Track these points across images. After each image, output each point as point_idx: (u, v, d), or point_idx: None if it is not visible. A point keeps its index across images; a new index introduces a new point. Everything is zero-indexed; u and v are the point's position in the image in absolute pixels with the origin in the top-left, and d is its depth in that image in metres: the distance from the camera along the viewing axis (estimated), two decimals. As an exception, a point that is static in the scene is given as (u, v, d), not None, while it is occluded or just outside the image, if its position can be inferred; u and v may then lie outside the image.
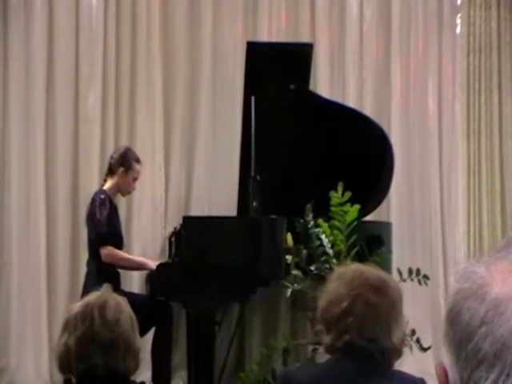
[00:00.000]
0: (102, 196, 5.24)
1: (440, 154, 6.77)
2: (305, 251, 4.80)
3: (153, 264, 5.25)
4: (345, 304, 2.18)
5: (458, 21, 6.93)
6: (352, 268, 2.32)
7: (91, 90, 6.20)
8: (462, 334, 0.96)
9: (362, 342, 2.17)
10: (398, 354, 2.23)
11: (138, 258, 5.54)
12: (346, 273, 2.28)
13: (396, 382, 2.21)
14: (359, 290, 2.20)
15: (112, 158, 5.41)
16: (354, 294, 2.19)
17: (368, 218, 5.62)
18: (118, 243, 5.28)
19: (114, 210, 5.30)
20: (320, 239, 4.75)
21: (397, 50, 6.73)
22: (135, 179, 5.39)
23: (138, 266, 5.41)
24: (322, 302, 2.26)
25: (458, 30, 6.93)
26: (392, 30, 6.73)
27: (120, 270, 5.40)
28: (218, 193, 6.27)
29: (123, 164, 5.32)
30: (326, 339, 2.23)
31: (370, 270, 2.27)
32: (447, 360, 0.99)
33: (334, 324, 2.20)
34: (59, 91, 6.17)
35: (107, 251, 5.14)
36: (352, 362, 2.18)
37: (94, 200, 5.25)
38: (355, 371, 2.18)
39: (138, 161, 5.40)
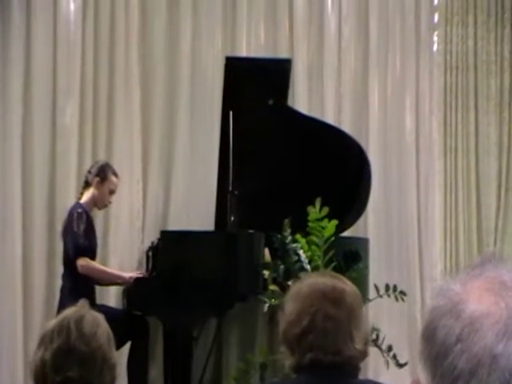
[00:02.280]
0: (80, 210, 5.23)
1: (417, 170, 6.80)
2: (282, 266, 4.79)
3: (128, 276, 5.26)
4: (305, 322, 2.16)
5: (435, 38, 6.99)
6: (307, 283, 2.27)
7: (69, 103, 6.16)
8: (437, 350, 0.96)
9: (326, 358, 2.15)
10: (363, 356, 2.21)
11: (113, 270, 5.54)
12: (301, 289, 2.24)
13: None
14: (317, 305, 2.17)
15: (89, 172, 5.41)
16: (312, 310, 2.17)
17: (345, 233, 5.63)
18: (92, 258, 5.26)
19: (90, 224, 5.29)
20: (297, 254, 4.75)
21: (374, 66, 6.77)
22: (111, 191, 5.37)
23: (114, 278, 5.39)
24: (281, 324, 2.23)
25: (435, 47, 6.98)
26: (370, 47, 6.77)
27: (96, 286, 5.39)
28: (195, 207, 6.25)
29: (99, 174, 5.33)
30: (291, 360, 2.22)
31: (324, 282, 2.23)
32: (423, 377, 0.99)
33: (296, 344, 2.18)
34: (36, 104, 6.13)
35: (84, 262, 5.13)
36: (320, 378, 2.18)
37: (71, 214, 5.23)
38: None
39: (114, 174, 5.40)
